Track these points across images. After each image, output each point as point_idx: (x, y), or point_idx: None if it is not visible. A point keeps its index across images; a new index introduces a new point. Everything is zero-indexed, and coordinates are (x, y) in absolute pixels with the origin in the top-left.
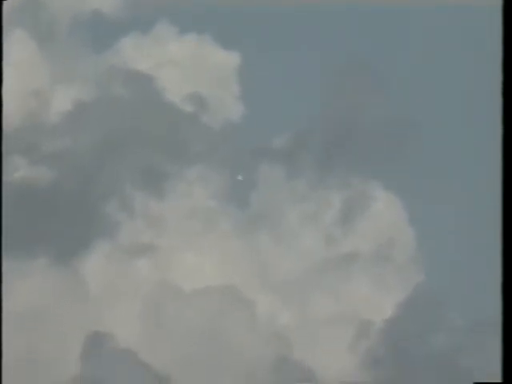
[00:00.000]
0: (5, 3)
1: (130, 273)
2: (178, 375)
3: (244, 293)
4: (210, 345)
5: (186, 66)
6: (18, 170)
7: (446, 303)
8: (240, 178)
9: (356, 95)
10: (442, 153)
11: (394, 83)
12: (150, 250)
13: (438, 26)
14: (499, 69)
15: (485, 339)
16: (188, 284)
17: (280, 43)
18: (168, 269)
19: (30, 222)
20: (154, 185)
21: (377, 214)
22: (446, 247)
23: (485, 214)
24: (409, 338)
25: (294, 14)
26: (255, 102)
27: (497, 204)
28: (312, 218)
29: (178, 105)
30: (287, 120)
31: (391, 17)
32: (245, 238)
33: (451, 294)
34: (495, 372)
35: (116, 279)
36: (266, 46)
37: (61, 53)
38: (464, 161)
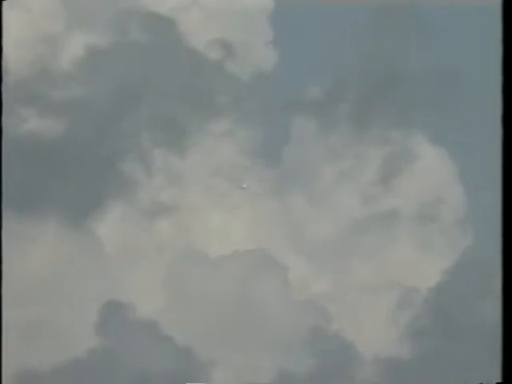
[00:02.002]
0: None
1: (150, 236)
2: (203, 349)
3: (275, 258)
4: (238, 315)
5: (212, 9)
6: (25, 122)
7: (496, 269)
8: (244, 186)
9: (397, 44)
10: (491, 106)
11: (437, 31)
12: (171, 211)
13: None
14: None
15: None
16: (214, 249)
17: None
18: (191, 232)
19: (39, 180)
20: (175, 139)
21: (421, 170)
22: (498, 208)
23: None
24: (456, 307)
25: None
26: (288, 49)
27: None
28: (349, 176)
29: (202, 51)
30: (322, 69)
31: None
32: (276, 197)
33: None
34: None
35: (135, 243)
36: None
37: None
38: None
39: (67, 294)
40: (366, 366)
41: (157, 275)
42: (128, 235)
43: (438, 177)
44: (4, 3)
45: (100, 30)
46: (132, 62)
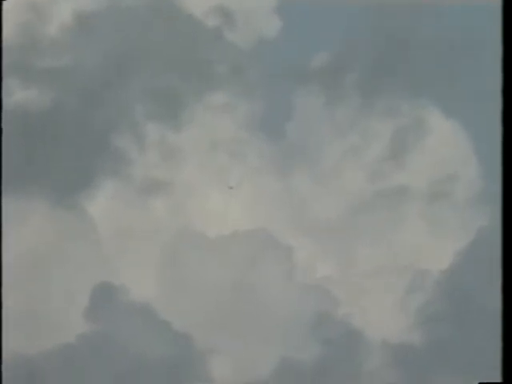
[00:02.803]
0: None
1: (144, 215)
2: (201, 335)
3: (278, 239)
4: (238, 300)
5: None
6: (9, 94)
7: None
8: (232, 185)
9: (407, 11)
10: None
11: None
12: (166, 189)
13: None
14: None
15: None
16: (212, 229)
17: None
18: (188, 211)
19: (24, 155)
20: (170, 112)
21: (433, 145)
22: None
23: None
24: (470, 292)
25: None
26: (292, 16)
27: None
28: (356, 152)
29: (199, 18)
30: (328, 38)
31: None
32: (278, 174)
33: None
34: None
35: (128, 222)
36: None
37: None
38: None
39: (56, 276)
40: (374, 353)
41: (151, 257)
42: (121, 214)
43: (451, 152)
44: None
45: None
46: (124, 28)
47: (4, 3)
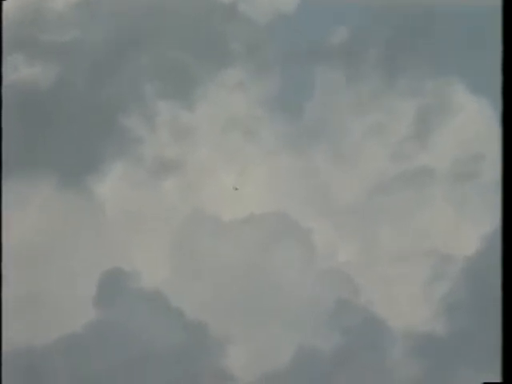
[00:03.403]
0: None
1: (155, 198)
2: (215, 323)
3: (296, 222)
4: (255, 286)
5: None
6: (13, 70)
7: None
8: (237, 188)
9: None
10: None
11: None
12: (178, 170)
13: None
14: None
15: None
16: (227, 212)
17: None
18: (201, 193)
19: (29, 136)
20: (182, 90)
21: (459, 123)
22: None
23: None
24: (497, 279)
25: None
26: None
27: None
28: (378, 132)
29: None
30: (348, 12)
31: None
32: (297, 155)
33: None
34: None
35: (138, 205)
36: None
37: None
38: None
39: (62, 262)
40: (396, 342)
41: (163, 241)
42: (130, 197)
43: (478, 131)
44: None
45: None
46: (133, 2)
47: (4, 3)
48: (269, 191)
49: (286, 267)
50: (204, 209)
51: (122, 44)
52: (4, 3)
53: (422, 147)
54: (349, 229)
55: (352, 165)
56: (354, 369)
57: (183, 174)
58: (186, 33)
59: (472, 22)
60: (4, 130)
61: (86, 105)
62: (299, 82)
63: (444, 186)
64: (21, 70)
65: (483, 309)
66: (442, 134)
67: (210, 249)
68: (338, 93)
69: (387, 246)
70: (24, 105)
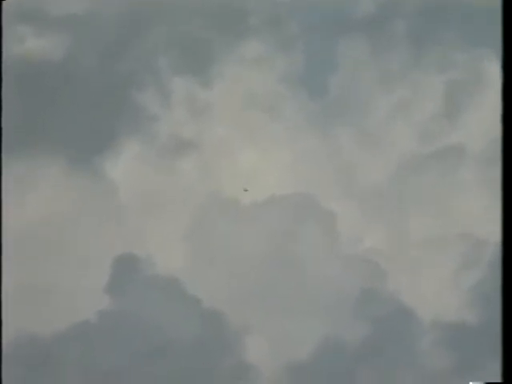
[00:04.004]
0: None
1: (171, 179)
2: (234, 312)
3: (320, 204)
4: (276, 273)
5: None
6: (21, 42)
7: None
8: (247, 190)
9: None
10: None
11: None
12: (194, 150)
13: None
14: None
15: None
16: (246, 194)
17: None
18: (219, 174)
19: (39, 112)
20: (199, 65)
21: (491, 99)
22: None
23: None
24: None
25: None
26: None
27: None
28: (406, 109)
29: None
30: None
31: None
32: (320, 133)
33: None
34: None
35: (153, 187)
36: None
37: None
38: None
39: (74, 247)
40: (425, 332)
41: (179, 225)
42: (145, 178)
43: None
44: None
45: None
46: None
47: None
48: (291, 172)
49: (310, 253)
50: (222, 191)
51: (136, 17)
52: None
53: (451, 125)
54: (375, 212)
55: (378, 144)
56: (382, 360)
57: (200, 154)
58: (203, 5)
59: None
60: (6, 106)
61: (97, 80)
62: (322, 56)
63: (476, 166)
64: (29, 41)
65: None
66: (474, 112)
67: (229, 233)
68: (363, 68)
69: (416, 231)
70: (30, 80)
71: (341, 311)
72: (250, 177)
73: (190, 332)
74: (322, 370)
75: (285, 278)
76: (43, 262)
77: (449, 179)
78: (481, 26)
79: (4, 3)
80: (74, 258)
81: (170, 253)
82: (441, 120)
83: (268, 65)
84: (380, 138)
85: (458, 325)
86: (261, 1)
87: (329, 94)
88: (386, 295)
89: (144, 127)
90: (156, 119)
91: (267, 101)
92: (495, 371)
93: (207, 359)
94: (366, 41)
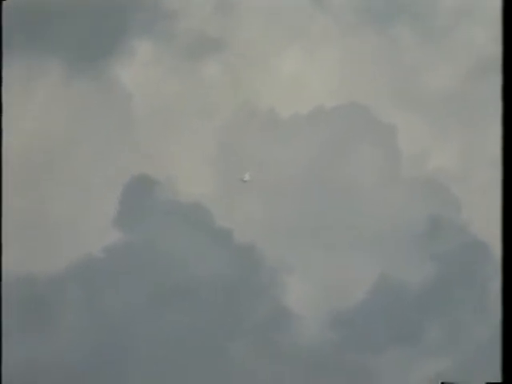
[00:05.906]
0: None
1: (193, 85)
2: (271, 247)
3: (376, 116)
4: (323, 200)
5: None
6: None
7: None
8: (246, 178)
9: None
10: None
11: None
12: (222, 51)
13: None
14: None
15: None
16: (285, 105)
17: None
18: (252, 81)
19: (41, 6)
20: None
21: None
22: None
23: None
24: None
25: None
26: None
27: None
28: (476, 4)
29: None
30: None
31: None
32: (375, 31)
33: None
34: None
35: (172, 95)
36: None
37: None
38: None
39: (78, 168)
40: (498, 272)
41: (203, 142)
42: (161, 85)
43: None
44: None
45: None
46: None
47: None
48: (340, 78)
49: (364, 176)
50: (256, 101)
51: None
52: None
53: None
54: (443, 126)
55: (444, 44)
56: (449, 304)
57: (228, 57)
58: None
59: None
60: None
61: None
62: None
63: None
64: None
65: None
66: None
67: (265, 153)
68: None
69: (493, 147)
70: None
71: (402, 246)
72: (290, 84)
73: (218, 270)
74: (377, 317)
75: (333, 206)
76: (41, 186)
77: None
78: None
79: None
80: (77, 181)
81: (193, 175)
82: None
83: None
84: (447, 37)
85: None
86: None
87: None
88: (455, 226)
89: (161, 24)
90: (175, 14)
91: None
92: None
93: (237, 303)
94: None
